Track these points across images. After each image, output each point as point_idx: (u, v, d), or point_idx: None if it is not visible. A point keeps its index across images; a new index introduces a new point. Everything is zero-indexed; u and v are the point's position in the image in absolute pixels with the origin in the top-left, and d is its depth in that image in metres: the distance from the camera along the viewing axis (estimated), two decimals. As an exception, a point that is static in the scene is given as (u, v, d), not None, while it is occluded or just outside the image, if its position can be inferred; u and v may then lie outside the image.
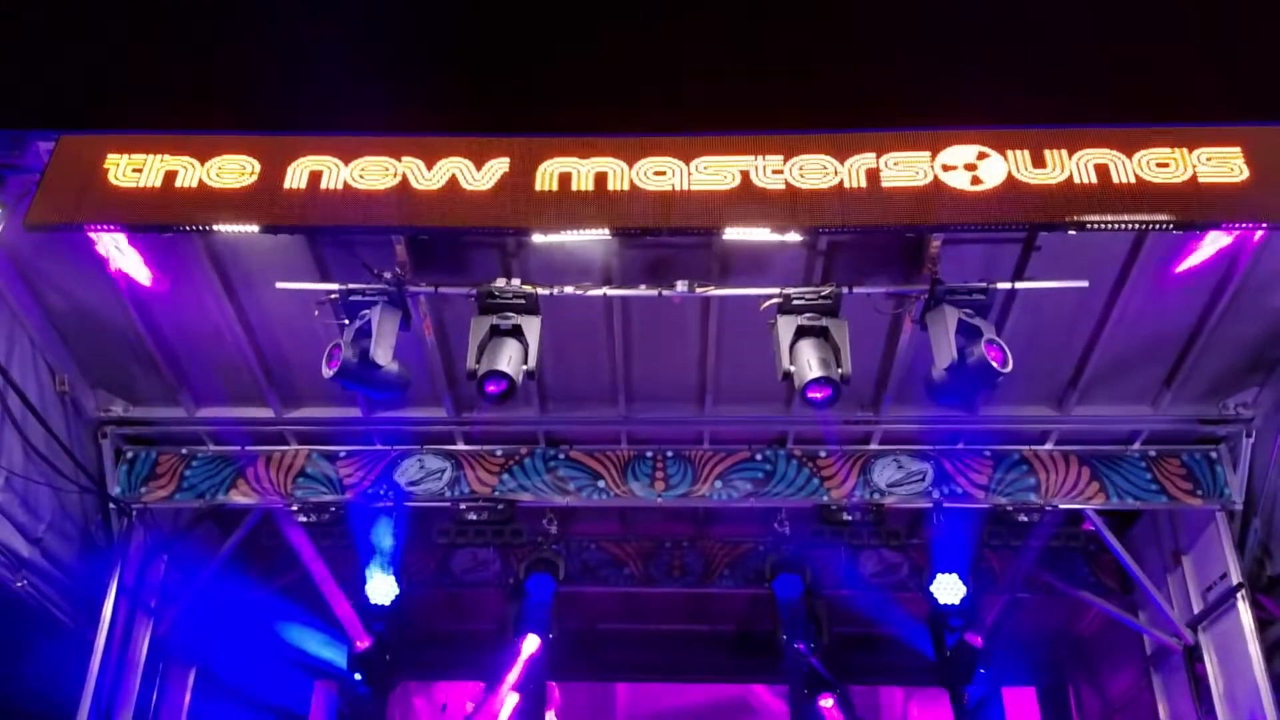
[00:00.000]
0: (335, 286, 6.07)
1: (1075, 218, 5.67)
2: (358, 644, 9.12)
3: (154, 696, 7.81)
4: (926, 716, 10.99)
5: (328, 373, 5.89)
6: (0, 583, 6.64)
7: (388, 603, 8.86)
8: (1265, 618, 7.16)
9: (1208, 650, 7.60)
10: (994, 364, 5.70)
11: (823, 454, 7.85)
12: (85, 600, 7.47)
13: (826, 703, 9.74)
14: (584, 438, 8.01)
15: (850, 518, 8.01)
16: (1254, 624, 7.11)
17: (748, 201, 5.80)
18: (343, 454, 7.91)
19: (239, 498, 7.74)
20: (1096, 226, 5.67)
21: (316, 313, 6.14)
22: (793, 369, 5.93)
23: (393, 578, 8.73)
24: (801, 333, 6.00)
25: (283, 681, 10.44)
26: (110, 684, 7.29)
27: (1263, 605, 7.17)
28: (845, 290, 6.06)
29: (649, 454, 7.97)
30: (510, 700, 9.68)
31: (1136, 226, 5.75)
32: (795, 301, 6.06)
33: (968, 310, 5.92)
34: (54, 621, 7.24)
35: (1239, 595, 7.17)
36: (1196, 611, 7.69)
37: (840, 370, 5.88)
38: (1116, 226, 5.70)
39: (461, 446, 7.94)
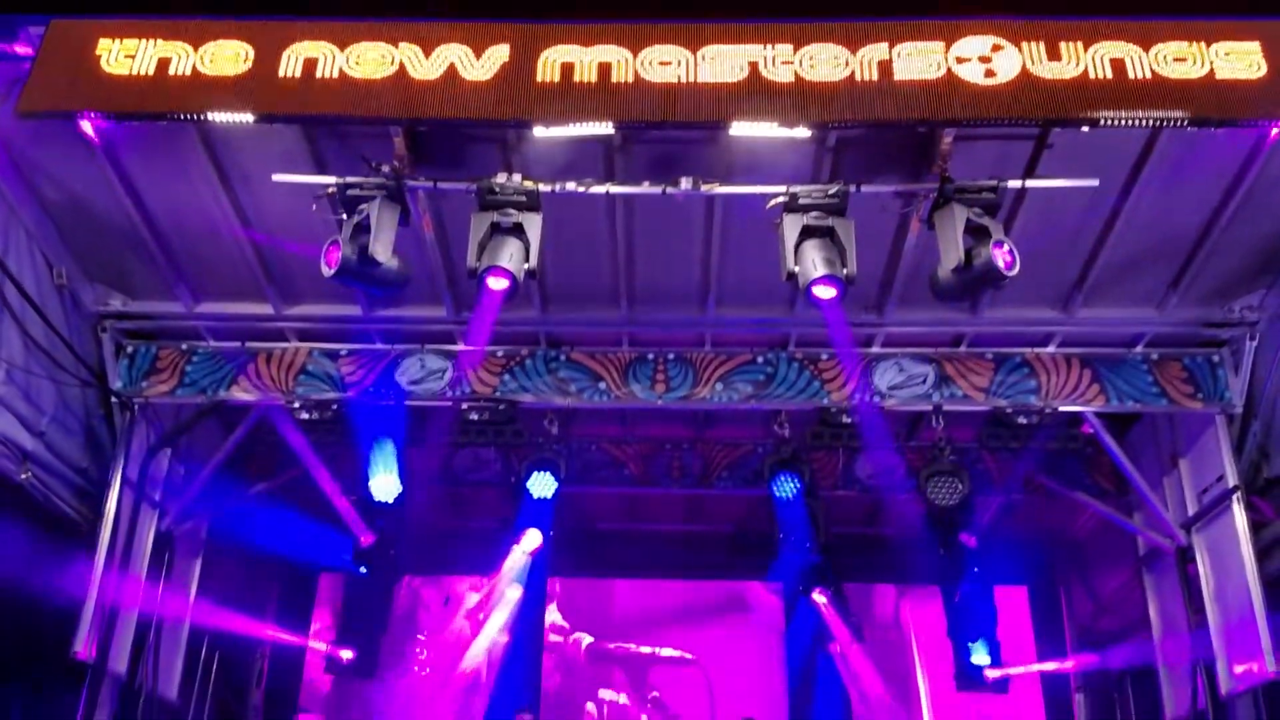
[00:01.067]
0: (332, 180, 5.96)
1: (1090, 113, 5.56)
2: (361, 540, 9.26)
3: (159, 589, 7.89)
4: (918, 614, 11.22)
5: (327, 271, 5.82)
6: (5, 475, 6.68)
7: (390, 500, 8.96)
8: (1259, 520, 7.24)
9: (1200, 552, 7.69)
10: (1002, 266, 5.64)
11: (824, 356, 7.84)
12: (90, 495, 7.54)
13: (820, 599, 9.96)
14: (585, 339, 7.98)
15: (849, 420, 8.03)
16: (1247, 526, 7.19)
17: (756, 95, 5.67)
18: (343, 352, 7.88)
19: (240, 394, 7.74)
20: (1111, 122, 5.56)
21: (314, 207, 6.04)
22: (797, 269, 5.87)
23: (395, 476, 8.80)
24: (807, 233, 5.91)
25: (287, 575, 10.64)
26: (115, 577, 7.38)
27: (1257, 507, 7.24)
28: (853, 189, 5.95)
29: (650, 356, 7.95)
30: (513, 592, 9.88)
31: (1151, 123, 5.64)
32: (802, 200, 5.95)
33: (976, 209, 5.82)
34: (59, 515, 7.30)
35: (1234, 497, 7.23)
36: (1191, 513, 7.76)
37: (845, 271, 5.82)
38: (1131, 123, 5.58)
39: (462, 346, 7.90)
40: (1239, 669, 7.17)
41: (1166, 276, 7.22)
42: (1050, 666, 10.11)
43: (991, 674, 9.23)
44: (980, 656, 9.14)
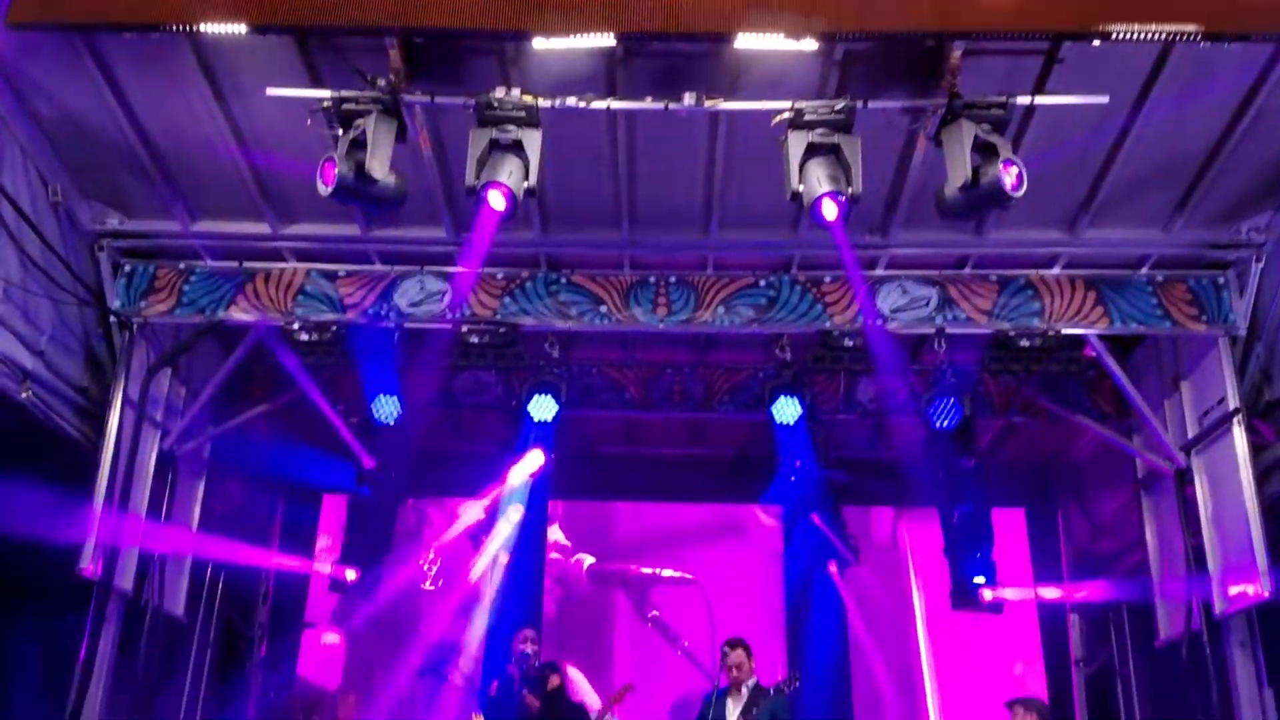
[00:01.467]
0: (327, 94, 5.84)
1: (1102, 27, 5.43)
2: (363, 462, 9.31)
3: (163, 508, 7.95)
4: (916, 535, 11.34)
5: (324, 190, 5.75)
6: (6, 394, 6.68)
7: (391, 422, 8.99)
8: (1259, 442, 7.25)
9: (1199, 474, 7.72)
10: (1009, 185, 5.57)
11: (827, 279, 7.78)
12: (91, 414, 7.55)
13: (818, 521, 10.06)
14: (586, 261, 7.91)
15: (851, 344, 8.00)
16: (1248, 448, 7.20)
17: (761, 6, 5.52)
18: (342, 273, 7.82)
19: (239, 314, 7.70)
20: (1123, 37, 5.45)
21: (309, 122, 5.95)
22: (801, 188, 5.79)
23: (396, 398, 8.82)
24: (812, 150, 5.83)
25: (290, 495, 10.71)
26: (119, 496, 7.42)
27: (1258, 430, 7.25)
28: (860, 105, 5.85)
29: (652, 279, 7.89)
30: (515, 513, 9.96)
31: (1164, 37, 5.52)
32: (807, 117, 5.85)
33: (985, 126, 5.72)
34: (63, 435, 7.32)
35: (1235, 420, 7.23)
36: (1191, 436, 7.78)
37: (850, 189, 5.75)
38: (1143, 37, 5.47)
39: (462, 268, 7.84)
40: (1234, 590, 7.24)
41: (1173, 197, 7.13)
42: (1052, 594, 10.19)
43: (987, 595, 9.33)
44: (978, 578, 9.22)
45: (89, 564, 7.15)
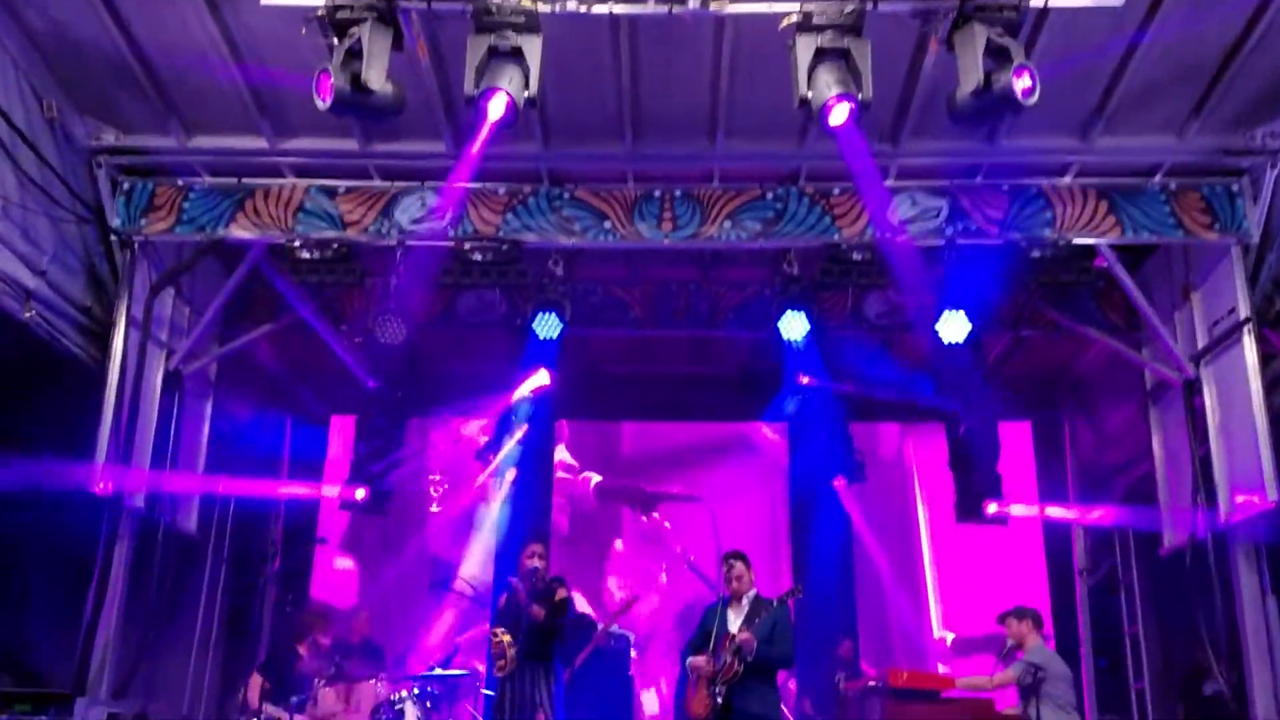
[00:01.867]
0: (321, 0, 5.69)
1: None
2: (368, 382, 9.32)
3: (172, 427, 7.98)
4: (922, 449, 11.38)
5: (322, 104, 5.63)
6: (9, 313, 6.66)
7: (396, 342, 8.95)
8: (1269, 351, 7.22)
9: (1208, 384, 7.69)
10: (1021, 90, 5.43)
11: (836, 191, 7.66)
12: (96, 334, 7.54)
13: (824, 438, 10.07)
14: (589, 175, 7.79)
15: (859, 257, 7.91)
16: (1258, 358, 7.17)
17: (767, -97, 5.35)
18: (342, 190, 7.72)
19: (239, 232, 7.62)
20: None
21: (304, 30, 5.79)
22: (810, 94, 5.66)
23: (400, 318, 8.76)
24: (821, 55, 5.67)
25: (298, 415, 10.75)
26: (127, 417, 7.45)
27: (1268, 339, 7.21)
28: (870, 6, 5.68)
29: (656, 193, 7.77)
30: (521, 432, 9.99)
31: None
32: (816, 20, 5.67)
33: (997, 29, 5.56)
34: (69, 356, 7.32)
35: (1245, 329, 7.19)
36: (1201, 346, 7.73)
37: (861, 94, 5.61)
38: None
39: (463, 184, 7.72)
40: (1240, 499, 7.27)
41: (1188, 103, 7.00)
42: (1056, 512, 10.24)
43: (991, 508, 9.37)
44: None
45: (100, 482, 7.19)
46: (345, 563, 11.34)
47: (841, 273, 8.09)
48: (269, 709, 7.11)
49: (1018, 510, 9.84)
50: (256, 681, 7.73)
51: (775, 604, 6.60)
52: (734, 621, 6.66)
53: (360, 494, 9.57)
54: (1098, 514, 9.79)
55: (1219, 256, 7.55)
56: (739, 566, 6.80)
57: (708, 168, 7.64)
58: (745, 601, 6.74)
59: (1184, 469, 7.92)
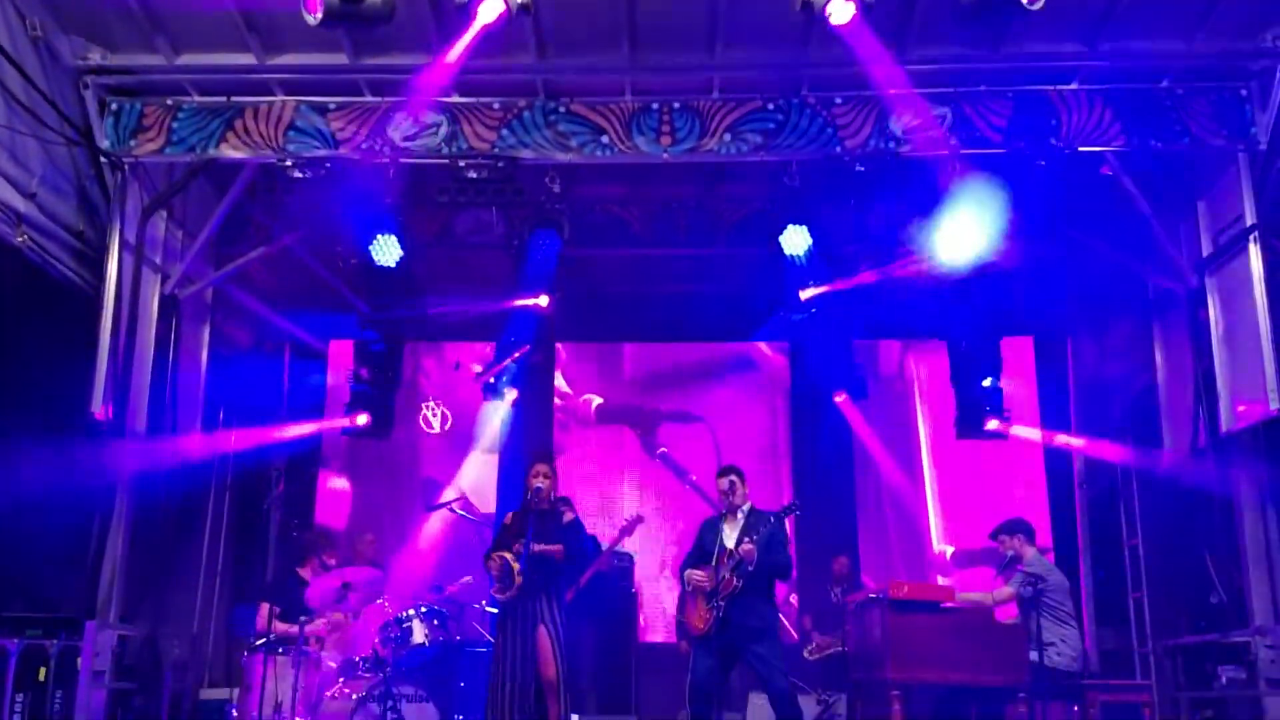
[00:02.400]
0: (309, -94, 5.52)
1: None
2: (364, 305, 9.25)
3: (170, 352, 7.93)
4: (923, 365, 11.37)
5: (313, 20, 5.50)
6: (1, 239, 6.58)
7: (392, 264, 8.89)
8: (1276, 260, 7.16)
9: (1212, 294, 7.63)
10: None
11: (838, 101, 7.51)
12: (89, 258, 7.45)
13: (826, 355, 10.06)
14: (586, 88, 7.62)
15: (862, 169, 7.79)
16: (1262, 267, 7.10)
17: None
18: (332, 106, 7.55)
19: (230, 151, 7.47)
20: None
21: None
22: (812, -3, 5.53)
23: (395, 239, 8.69)
24: (822, -45, 5.55)
25: (295, 340, 10.71)
26: (125, 338, 7.40)
27: (1274, 248, 7.14)
28: (872, -97, 5.52)
29: (655, 106, 7.60)
30: (520, 354, 9.95)
31: None
32: (816, -82, 5.55)
33: (1004, -73, 5.43)
34: (63, 280, 7.25)
35: (1251, 237, 7.11)
36: (1205, 255, 7.66)
37: (864, -7, 5.48)
38: None
39: (456, 99, 7.58)
40: (1241, 409, 7.27)
41: (1197, 5, 6.83)
42: (1062, 439, 10.25)
43: (992, 424, 9.39)
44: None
45: (100, 408, 7.17)
46: (344, 484, 11.39)
47: (844, 187, 7.97)
48: (279, 626, 7.20)
49: (1019, 431, 9.88)
50: (265, 609, 7.80)
51: (773, 519, 6.63)
52: (730, 535, 6.69)
53: (362, 419, 9.58)
54: (1096, 423, 9.83)
55: (1226, 164, 7.43)
56: (728, 479, 6.82)
57: (707, 78, 7.48)
58: (741, 515, 6.78)
59: (1186, 380, 7.90)
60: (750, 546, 6.41)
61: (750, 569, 6.42)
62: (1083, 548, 10.25)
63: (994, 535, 7.97)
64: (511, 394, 10.29)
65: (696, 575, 6.65)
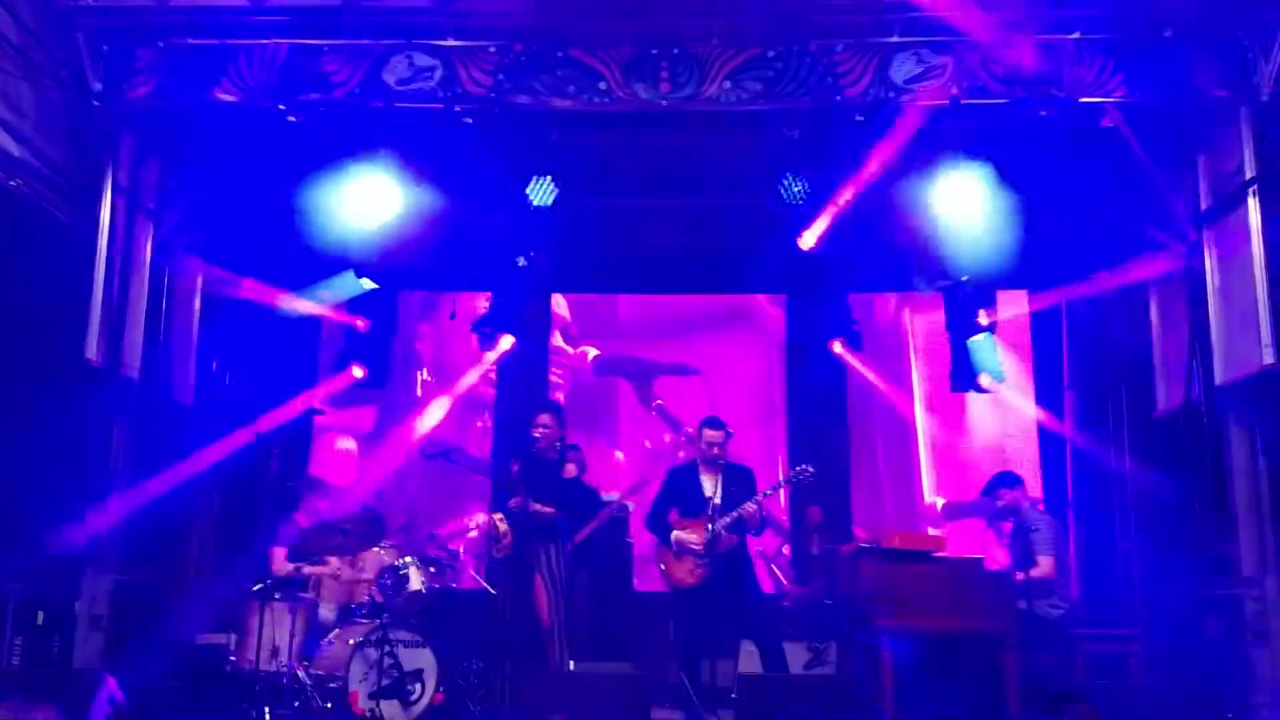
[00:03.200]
0: None
1: None
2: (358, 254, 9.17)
3: (164, 298, 7.89)
4: (918, 319, 11.39)
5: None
6: (-6, 181, 6.54)
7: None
8: (1275, 214, 7.15)
9: (1209, 247, 7.61)
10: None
11: (839, 48, 7.44)
12: (85, 204, 7.40)
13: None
14: (584, 34, 7.54)
15: (861, 118, 7.74)
16: (1260, 219, 7.09)
17: None
18: (326, 50, 7.47)
19: (223, 96, 7.41)
20: None
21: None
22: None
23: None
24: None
25: (291, 285, 10.63)
26: (119, 287, 7.38)
27: (1274, 202, 7.12)
28: None
29: (654, 52, 7.53)
30: (517, 304, 9.91)
31: None
32: None
33: None
34: (58, 225, 7.20)
35: (1250, 190, 7.09)
36: (1204, 209, 7.64)
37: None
38: None
39: (452, 42, 7.49)
40: (1236, 360, 7.29)
41: (1202, -48, 6.77)
42: (1050, 414, 10.29)
43: (985, 380, 9.40)
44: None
45: (93, 351, 7.15)
46: (345, 442, 11.40)
47: (844, 137, 7.94)
48: (276, 569, 7.26)
49: (1011, 396, 9.90)
50: (279, 553, 7.89)
51: (747, 471, 6.68)
52: (710, 488, 6.75)
53: (358, 373, 9.56)
54: (1089, 374, 9.86)
55: (1228, 116, 7.38)
56: (727, 434, 6.85)
57: (706, 25, 7.39)
58: (718, 468, 6.82)
59: (1181, 334, 7.92)
60: (754, 508, 6.48)
61: (753, 530, 6.51)
62: (1073, 500, 10.31)
63: (988, 490, 8.02)
64: (508, 342, 10.26)
65: (690, 538, 6.66)
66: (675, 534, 6.72)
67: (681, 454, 10.79)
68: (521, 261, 9.23)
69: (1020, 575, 7.28)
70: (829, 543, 9.57)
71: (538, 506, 6.71)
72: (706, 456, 6.83)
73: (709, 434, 6.88)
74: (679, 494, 6.79)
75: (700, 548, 6.57)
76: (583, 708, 5.41)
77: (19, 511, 7.62)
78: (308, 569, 7.37)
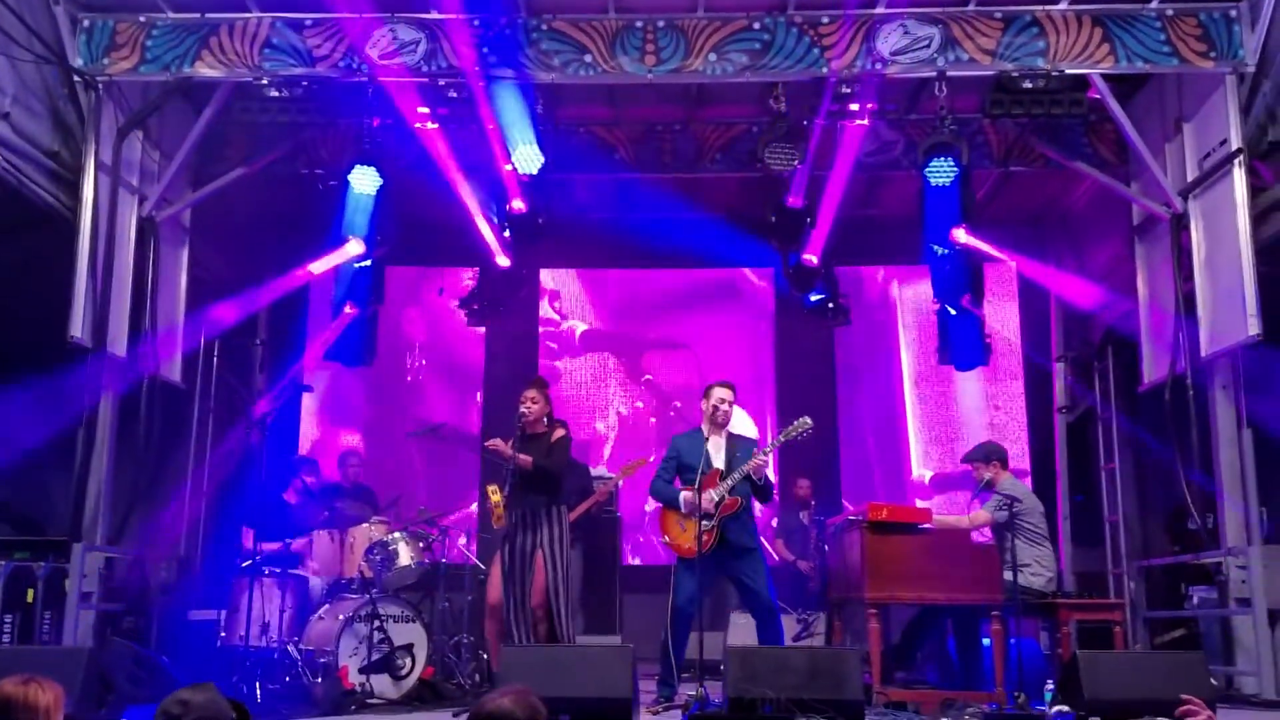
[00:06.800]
0: None
1: None
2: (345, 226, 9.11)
3: (148, 275, 7.84)
4: (906, 289, 11.39)
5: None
6: (-25, 159, 6.48)
7: (372, 192, 8.74)
8: (1258, 185, 7.16)
9: (1195, 218, 7.62)
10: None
11: (824, 20, 7.40)
12: (65, 180, 7.33)
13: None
14: (568, 6, 7.49)
15: (848, 90, 7.71)
16: (1246, 191, 7.10)
17: None
18: (308, 23, 7.41)
19: (205, 70, 7.35)
20: None
21: None
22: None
23: (373, 169, 8.53)
24: None
25: (278, 262, 10.58)
26: (103, 264, 7.32)
27: (1257, 172, 7.13)
28: None
29: (639, 23, 7.48)
30: (504, 278, 9.89)
31: None
32: None
33: None
34: (39, 203, 7.15)
35: (1235, 161, 7.08)
36: (1190, 180, 7.64)
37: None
38: None
39: (435, 15, 7.43)
40: (1221, 332, 7.31)
41: (1192, -81, 6.74)
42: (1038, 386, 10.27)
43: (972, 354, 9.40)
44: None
45: (78, 329, 7.12)
46: (328, 410, 11.39)
47: (831, 109, 7.91)
48: (265, 546, 7.26)
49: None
50: (249, 533, 7.87)
51: (751, 439, 6.69)
52: (717, 455, 6.76)
53: (347, 353, 9.53)
54: (1077, 346, 9.89)
55: (1212, 87, 7.37)
56: (733, 401, 6.86)
57: (692, -5, 7.35)
58: (723, 435, 6.83)
59: (1167, 305, 7.93)
60: (764, 459, 6.53)
61: (760, 482, 6.54)
62: (1061, 472, 10.38)
63: (967, 460, 8.06)
64: (496, 319, 10.25)
65: (693, 497, 6.62)
66: (685, 496, 6.68)
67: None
68: None
69: (1005, 546, 7.31)
70: (817, 515, 9.63)
71: (521, 456, 6.71)
72: (713, 419, 6.82)
73: (719, 392, 6.85)
74: (686, 460, 6.78)
75: (711, 507, 6.58)
76: (572, 680, 5.43)
77: (13, 492, 7.63)
78: (295, 545, 7.35)
